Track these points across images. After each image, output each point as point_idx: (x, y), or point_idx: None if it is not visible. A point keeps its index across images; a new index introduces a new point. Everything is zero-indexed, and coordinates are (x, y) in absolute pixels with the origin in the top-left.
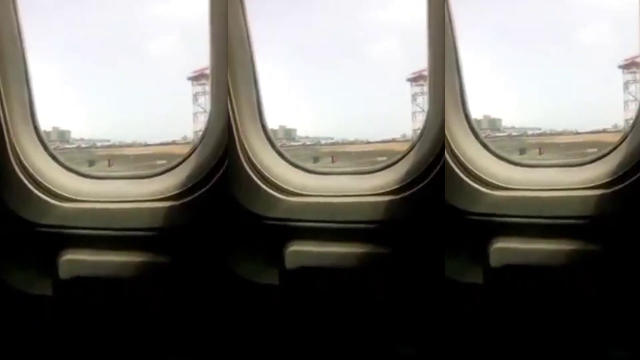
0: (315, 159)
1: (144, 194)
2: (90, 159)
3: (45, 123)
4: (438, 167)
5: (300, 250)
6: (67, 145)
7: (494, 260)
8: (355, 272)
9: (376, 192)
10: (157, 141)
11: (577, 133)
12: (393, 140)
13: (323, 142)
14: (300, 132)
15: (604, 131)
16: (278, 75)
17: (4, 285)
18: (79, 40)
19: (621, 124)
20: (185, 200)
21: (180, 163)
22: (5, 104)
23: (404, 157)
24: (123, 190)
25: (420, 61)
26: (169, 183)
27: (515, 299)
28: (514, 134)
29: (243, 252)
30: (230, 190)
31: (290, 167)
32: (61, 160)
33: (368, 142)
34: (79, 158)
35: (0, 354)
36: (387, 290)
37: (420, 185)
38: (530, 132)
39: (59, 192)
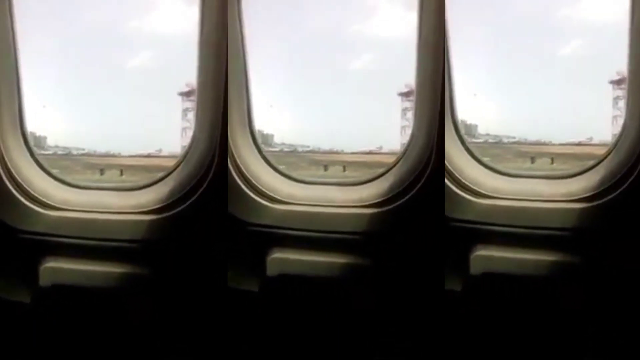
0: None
1: (128, 205)
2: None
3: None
4: (423, 179)
5: (282, 258)
6: (42, 152)
7: (474, 268)
8: (336, 282)
9: (361, 204)
10: (133, 153)
11: (550, 144)
12: (370, 153)
13: (300, 149)
14: (277, 139)
15: (579, 144)
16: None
17: None
18: (61, 47)
19: (596, 136)
20: (168, 213)
21: (167, 175)
22: None
23: (390, 169)
24: (108, 201)
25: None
26: (155, 195)
27: (494, 307)
28: (490, 140)
29: (227, 259)
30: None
31: (277, 175)
32: (47, 168)
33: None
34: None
35: None
36: (366, 300)
37: (406, 198)
38: (505, 140)
39: (44, 200)
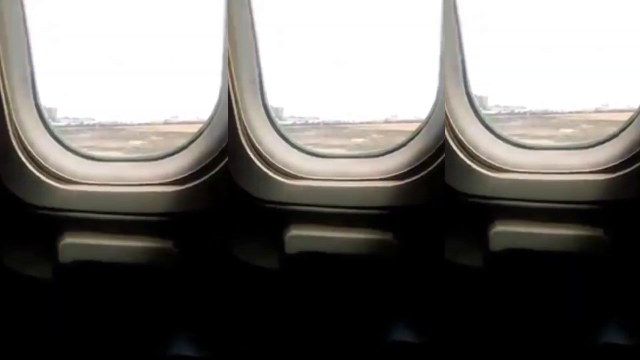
0: None
1: (146, 177)
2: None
3: None
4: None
5: (300, 235)
6: (55, 123)
7: (495, 244)
8: (356, 258)
9: (379, 177)
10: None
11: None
12: (386, 122)
13: (310, 122)
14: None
15: (597, 110)
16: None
17: (3, 268)
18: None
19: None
20: (188, 185)
21: (186, 146)
22: (6, 82)
23: (409, 141)
24: (125, 174)
25: None
26: (174, 167)
27: (515, 284)
28: (503, 112)
29: (244, 236)
30: (232, 174)
31: (292, 149)
32: (63, 140)
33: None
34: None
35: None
36: (388, 276)
37: (425, 172)
38: (516, 111)
39: (60, 174)
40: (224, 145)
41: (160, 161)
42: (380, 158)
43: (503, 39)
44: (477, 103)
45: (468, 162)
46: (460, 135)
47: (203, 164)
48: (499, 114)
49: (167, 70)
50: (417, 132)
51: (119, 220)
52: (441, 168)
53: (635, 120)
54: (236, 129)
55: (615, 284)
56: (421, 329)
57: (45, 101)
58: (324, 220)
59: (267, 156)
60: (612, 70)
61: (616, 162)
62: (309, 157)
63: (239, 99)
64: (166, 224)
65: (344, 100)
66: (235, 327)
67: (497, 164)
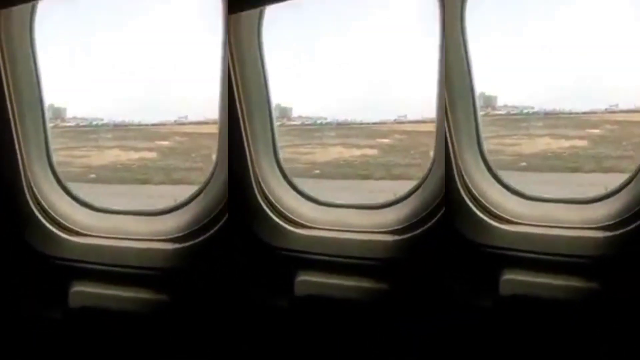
0: None
1: (151, 232)
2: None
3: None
4: (443, 209)
5: (308, 280)
6: (64, 124)
7: (504, 290)
8: (358, 304)
9: (381, 229)
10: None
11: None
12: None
13: (318, 122)
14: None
15: (607, 111)
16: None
17: (20, 312)
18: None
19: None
20: (189, 243)
21: (190, 201)
22: (22, 143)
23: (411, 194)
24: (130, 228)
25: None
26: (177, 222)
27: (521, 325)
28: (512, 112)
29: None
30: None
31: (300, 198)
32: (74, 194)
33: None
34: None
35: None
36: (387, 322)
37: (425, 227)
38: (525, 111)
39: (71, 226)
40: (224, 201)
41: (162, 216)
42: (383, 210)
43: (508, 40)
44: (487, 156)
45: (478, 213)
46: (471, 187)
47: (203, 223)
48: (508, 114)
49: (170, 77)
50: (417, 186)
51: (121, 273)
52: (440, 222)
53: (634, 180)
54: (251, 182)
55: (607, 332)
56: None
57: (55, 100)
58: (329, 268)
59: (278, 205)
60: (614, 70)
61: (614, 221)
62: (316, 206)
63: (253, 157)
64: (164, 278)
65: (348, 101)
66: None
67: (504, 216)
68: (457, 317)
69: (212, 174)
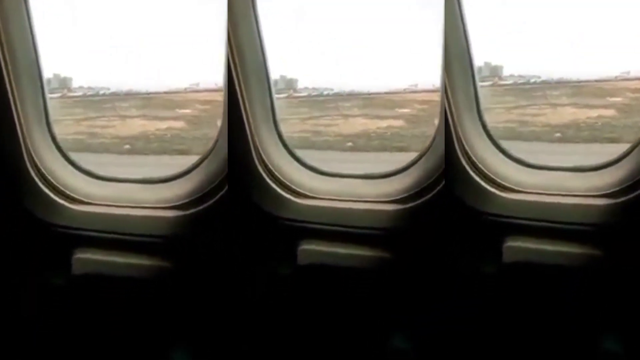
0: None
1: (152, 200)
2: None
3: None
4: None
5: (310, 249)
6: (72, 94)
7: (507, 257)
8: (360, 272)
9: (383, 199)
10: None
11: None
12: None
13: (325, 93)
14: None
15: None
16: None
17: (24, 279)
18: None
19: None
20: (192, 210)
21: (193, 169)
22: (20, 109)
23: (414, 163)
24: (133, 196)
25: None
26: (180, 190)
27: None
28: (519, 82)
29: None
30: (245, 192)
31: (302, 168)
32: (75, 162)
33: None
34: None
35: (14, 338)
36: (390, 290)
37: (427, 196)
38: (532, 80)
39: (72, 194)
40: (225, 173)
41: (164, 184)
42: (386, 179)
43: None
44: (488, 125)
45: (480, 181)
46: (471, 155)
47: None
48: (515, 84)
49: (175, 43)
50: (420, 156)
51: (124, 240)
52: (442, 191)
53: (637, 148)
54: (251, 152)
55: (610, 298)
56: (421, 337)
57: (61, 70)
58: (331, 238)
59: (278, 175)
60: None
61: (617, 188)
62: (317, 175)
63: (251, 122)
64: (167, 245)
65: (352, 71)
66: (245, 329)
67: (506, 184)
68: (460, 284)
69: (216, 141)
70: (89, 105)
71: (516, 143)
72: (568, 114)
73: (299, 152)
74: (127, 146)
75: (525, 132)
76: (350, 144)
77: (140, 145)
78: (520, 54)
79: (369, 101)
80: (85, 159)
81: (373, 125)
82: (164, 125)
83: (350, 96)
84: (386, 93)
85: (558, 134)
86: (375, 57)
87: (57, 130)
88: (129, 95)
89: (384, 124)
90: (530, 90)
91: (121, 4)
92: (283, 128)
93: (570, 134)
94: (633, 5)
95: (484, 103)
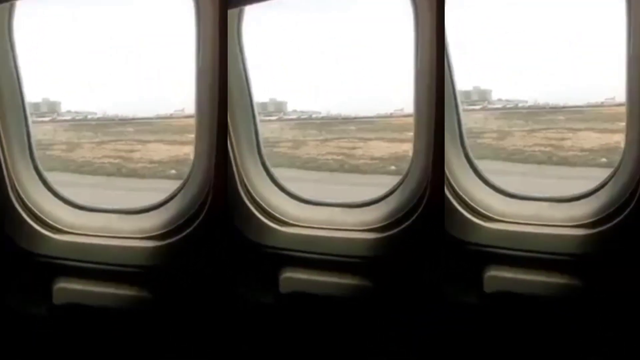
0: None
1: (132, 230)
2: None
3: (34, 94)
4: (424, 202)
5: (293, 277)
6: (62, 118)
7: (487, 287)
8: (342, 300)
9: (364, 227)
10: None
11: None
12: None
13: (314, 116)
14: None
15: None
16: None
17: (5, 307)
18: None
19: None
20: (171, 240)
21: (171, 198)
22: (4, 141)
23: (394, 190)
24: (114, 225)
25: None
26: (159, 220)
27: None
28: (508, 106)
29: (242, 277)
30: (230, 220)
31: (286, 196)
32: (58, 192)
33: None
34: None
35: None
36: (371, 319)
37: (407, 224)
38: (520, 105)
39: (54, 224)
40: (206, 198)
41: (144, 214)
42: (367, 208)
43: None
44: (471, 155)
45: (462, 210)
46: (455, 186)
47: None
48: (505, 108)
49: (154, 70)
50: (399, 184)
51: (105, 270)
52: (422, 220)
53: (613, 179)
54: (235, 180)
55: (589, 328)
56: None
57: (49, 95)
58: (313, 265)
59: (262, 203)
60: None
61: (595, 218)
62: (299, 204)
63: (237, 155)
64: (147, 275)
65: (334, 95)
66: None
67: (488, 214)
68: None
69: (191, 170)
70: (93, 129)
71: (577, 170)
72: (593, 138)
73: (360, 178)
74: (173, 171)
75: (568, 156)
76: (393, 167)
77: (183, 170)
78: (505, 79)
79: (370, 125)
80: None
81: (397, 148)
82: (186, 149)
83: (347, 120)
84: (378, 117)
85: (604, 159)
86: (355, 82)
87: (82, 153)
88: (124, 121)
89: (405, 147)
90: (532, 114)
91: (102, 33)
92: (303, 150)
93: (615, 158)
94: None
95: (491, 125)
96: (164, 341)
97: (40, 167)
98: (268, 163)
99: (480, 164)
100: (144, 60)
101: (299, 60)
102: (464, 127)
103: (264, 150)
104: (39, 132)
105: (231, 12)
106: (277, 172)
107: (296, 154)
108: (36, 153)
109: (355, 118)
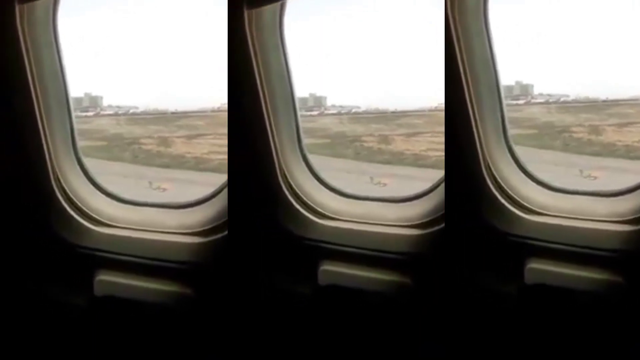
0: None
1: (175, 225)
2: None
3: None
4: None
5: (331, 270)
6: (105, 112)
7: (528, 279)
8: (380, 296)
9: (404, 223)
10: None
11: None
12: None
13: (353, 111)
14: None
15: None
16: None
17: (47, 298)
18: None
19: None
20: (217, 236)
21: (215, 195)
22: (48, 134)
23: (438, 186)
24: (156, 219)
25: None
26: (203, 215)
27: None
28: (551, 100)
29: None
30: (271, 215)
31: (327, 191)
32: (102, 186)
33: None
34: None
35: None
36: (408, 317)
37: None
38: (562, 99)
39: (96, 216)
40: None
41: (188, 209)
42: (408, 203)
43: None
44: (513, 146)
45: (505, 203)
46: (498, 177)
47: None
48: (547, 102)
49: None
50: (441, 181)
51: (146, 264)
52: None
53: None
54: (277, 174)
55: (628, 325)
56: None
57: (92, 89)
58: (352, 260)
59: (304, 197)
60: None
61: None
62: (340, 197)
63: (278, 148)
64: (189, 271)
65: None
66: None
67: (531, 207)
68: (482, 304)
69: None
70: (152, 122)
71: None
72: None
73: None
74: None
75: None
76: None
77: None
78: (546, 72)
79: (428, 118)
80: None
81: None
82: None
83: (395, 114)
84: (417, 110)
85: None
86: (391, 75)
87: (181, 149)
88: (175, 114)
89: None
90: (593, 108)
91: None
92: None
93: None
94: None
95: (564, 119)
96: (203, 339)
97: (83, 159)
98: (309, 156)
99: (614, 163)
100: (177, 55)
101: (337, 54)
102: (506, 120)
103: (304, 143)
104: (97, 125)
105: (272, 6)
106: None
107: None
108: (79, 145)
109: (407, 112)
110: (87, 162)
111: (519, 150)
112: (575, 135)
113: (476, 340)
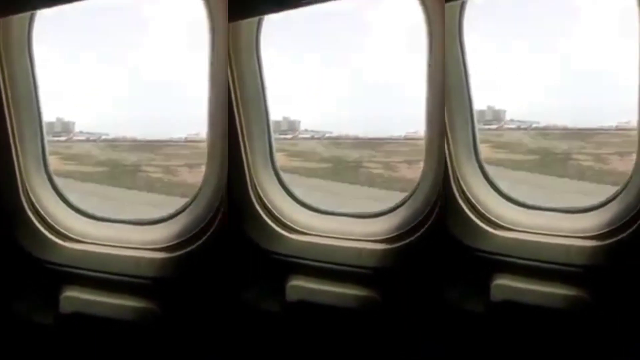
0: None
1: (142, 241)
2: None
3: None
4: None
5: (299, 286)
6: (77, 137)
7: (494, 296)
8: (347, 311)
9: (373, 238)
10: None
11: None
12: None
13: (326, 135)
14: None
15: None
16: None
17: (11, 314)
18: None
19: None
20: (180, 252)
21: (182, 211)
22: (19, 149)
23: (405, 201)
24: (124, 236)
25: None
26: (170, 231)
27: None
28: (522, 126)
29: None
30: (242, 227)
31: (297, 206)
32: (70, 201)
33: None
34: None
35: None
36: (375, 331)
37: (417, 234)
38: (533, 125)
39: (64, 232)
40: (216, 211)
41: (154, 226)
42: (378, 218)
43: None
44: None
45: (474, 218)
46: (467, 193)
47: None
48: (518, 128)
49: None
50: (409, 196)
51: (113, 280)
52: (434, 229)
53: (623, 192)
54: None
55: (594, 341)
56: None
57: (63, 115)
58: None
59: (274, 211)
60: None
61: (605, 230)
62: (311, 212)
63: (250, 163)
64: (155, 286)
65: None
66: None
67: (499, 222)
68: (448, 322)
69: (202, 185)
70: (133, 150)
71: None
72: None
73: None
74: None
75: None
76: None
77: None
78: (517, 99)
79: (399, 146)
80: None
81: None
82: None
83: (372, 141)
84: (390, 139)
85: None
86: (362, 102)
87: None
88: (150, 143)
89: None
90: (572, 135)
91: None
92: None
93: None
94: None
95: (548, 146)
96: (170, 353)
97: (53, 174)
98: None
99: None
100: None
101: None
102: (477, 137)
103: (277, 160)
104: (81, 150)
105: (248, 25)
106: None
107: None
108: (50, 163)
109: (377, 139)
110: None
111: (537, 178)
112: (583, 163)
113: (443, 356)
